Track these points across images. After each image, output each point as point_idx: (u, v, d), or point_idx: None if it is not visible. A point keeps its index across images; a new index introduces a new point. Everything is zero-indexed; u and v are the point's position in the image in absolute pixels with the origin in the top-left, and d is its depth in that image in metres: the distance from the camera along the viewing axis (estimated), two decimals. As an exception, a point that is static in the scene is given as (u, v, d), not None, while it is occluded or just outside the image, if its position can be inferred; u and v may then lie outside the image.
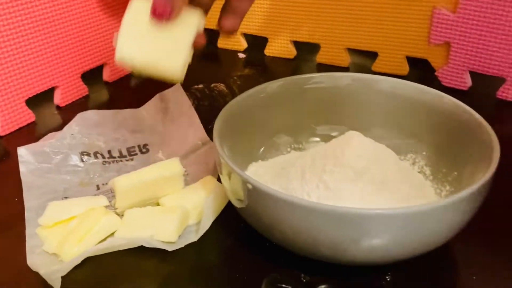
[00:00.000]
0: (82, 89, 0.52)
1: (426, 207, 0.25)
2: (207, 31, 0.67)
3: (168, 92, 0.45)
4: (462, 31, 0.48)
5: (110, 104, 0.46)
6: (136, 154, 0.41)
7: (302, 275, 0.29)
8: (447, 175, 0.34)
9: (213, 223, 0.34)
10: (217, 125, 0.32)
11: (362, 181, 0.30)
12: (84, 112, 0.42)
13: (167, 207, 0.34)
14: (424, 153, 0.36)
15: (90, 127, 0.42)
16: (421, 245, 0.27)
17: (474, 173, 0.30)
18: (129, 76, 0.57)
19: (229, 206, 0.34)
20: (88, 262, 0.31)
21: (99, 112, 0.43)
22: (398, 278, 0.29)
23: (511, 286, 0.29)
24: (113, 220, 0.32)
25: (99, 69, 0.55)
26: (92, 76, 0.54)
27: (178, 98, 0.44)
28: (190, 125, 0.41)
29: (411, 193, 0.31)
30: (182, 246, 0.31)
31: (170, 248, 0.31)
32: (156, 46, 0.31)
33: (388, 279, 0.29)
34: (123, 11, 0.32)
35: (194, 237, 0.32)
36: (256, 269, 0.30)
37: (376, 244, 0.26)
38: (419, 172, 0.35)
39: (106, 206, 0.34)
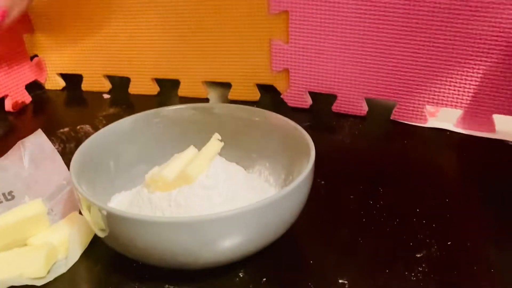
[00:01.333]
0: None
1: (253, 206, 0.30)
2: (70, 75, 0.69)
3: (29, 138, 0.46)
4: (296, 58, 0.56)
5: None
6: (1, 202, 0.42)
7: (166, 285, 0.33)
8: (285, 180, 0.39)
9: (82, 254, 0.36)
10: (74, 162, 0.35)
11: (211, 196, 0.34)
12: None
13: (34, 246, 0.35)
14: (267, 164, 0.41)
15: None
16: (259, 240, 0.32)
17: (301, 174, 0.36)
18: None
19: (97, 237, 0.37)
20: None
21: None
22: (249, 272, 0.34)
23: (339, 263, 0.35)
24: (-23, 267, 0.33)
25: None
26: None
27: (40, 143, 0.45)
28: (53, 167, 0.43)
29: (253, 199, 0.36)
30: (52, 279, 0.33)
31: (39, 283, 0.33)
32: None
33: (241, 275, 0.34)
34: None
35: (63, 270, 0.34)
36: (124, 288, 0.33)
37: (221, 245, 0.31)
38: (264, 181, 0.41)
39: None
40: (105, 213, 0.30)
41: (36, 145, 0.46)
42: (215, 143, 0.37)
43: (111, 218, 0.30)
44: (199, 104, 0.42)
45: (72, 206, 0.40)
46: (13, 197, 0.42)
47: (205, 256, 0.31)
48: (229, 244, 0.31)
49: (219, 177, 0.35)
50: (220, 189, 0.34)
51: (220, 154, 0.38)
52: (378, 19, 0.51)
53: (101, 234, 0.33)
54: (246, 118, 0.41)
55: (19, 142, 0.47)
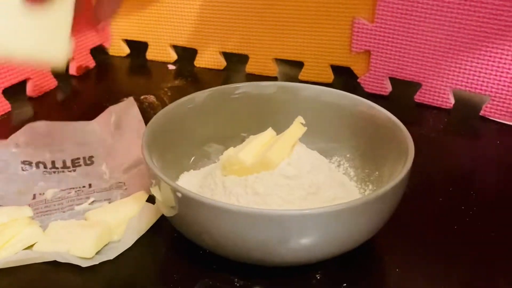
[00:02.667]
0: (3, 105, 0.50)
1: (347, 205, 0.26)
2: (135, 43, 0.67)
3: (120, 106, 0.45)
4: (380, 39, 0.51)
5: (35, 120, 0.45)
6: (80, 165, 0.41)
7: (236, 279, 0.30)
8: (369, 175, 0.35)
9: (146, 233, 0.33)
10: (145, 136, 0.32)
11: (293, 187, 0.31)
12: (32, 123, 0.43)
13: (90, 221, 0.33)
14: (347, 155, 0.37)
15: (37, 138, 0.41)
16: (346, 243, 0.29)
17: (393, 172, 0.32)
18: (55, 91, 0.55)
19: (159, 220, 0.34)
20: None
21: (48, 123, 0.43)
22: (328, 275, 0.30)
23: (431, 273, 0.31)
24: (34, 232, 0.32)
25: (22, 85, 0.53)
26: (14, 92, 0.52)
27: (130, 112, 0.44)
28: (137, 139, 0.41)
29: (338, 195, 0.32)
30: (97, 263, 0.31)
31: (84, 264, 0.31)
32: (35, 35, 0.29)
33: (318, 277, 0.30)
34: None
35: (112, 255, 0.31)
36: (190, 278, 0.30)
37: (303, 244, 0.27)
38: (343, 173, 0.37)
39: (31, 217, 0.33)
40: (179, 195, 0.27)
41: (126, 113, 0.44)
42: (298, 127, 0.33)
43: (183, 200, 0.27)
44: (285, 83, 0.38)
45: (144, 183, 0.37)
46: (92, 162, 0.41)
47: (282, 254, 0.28)
48: (311, 244, 0.27)
49: (302, 166, 0.31)
50: (303, 181, 0.31)
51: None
52: (476, 5, 0.45)
53: (169, 213, 0.30)
54: (335, 103, 0.37)
55: (109, 108, 0.45)
